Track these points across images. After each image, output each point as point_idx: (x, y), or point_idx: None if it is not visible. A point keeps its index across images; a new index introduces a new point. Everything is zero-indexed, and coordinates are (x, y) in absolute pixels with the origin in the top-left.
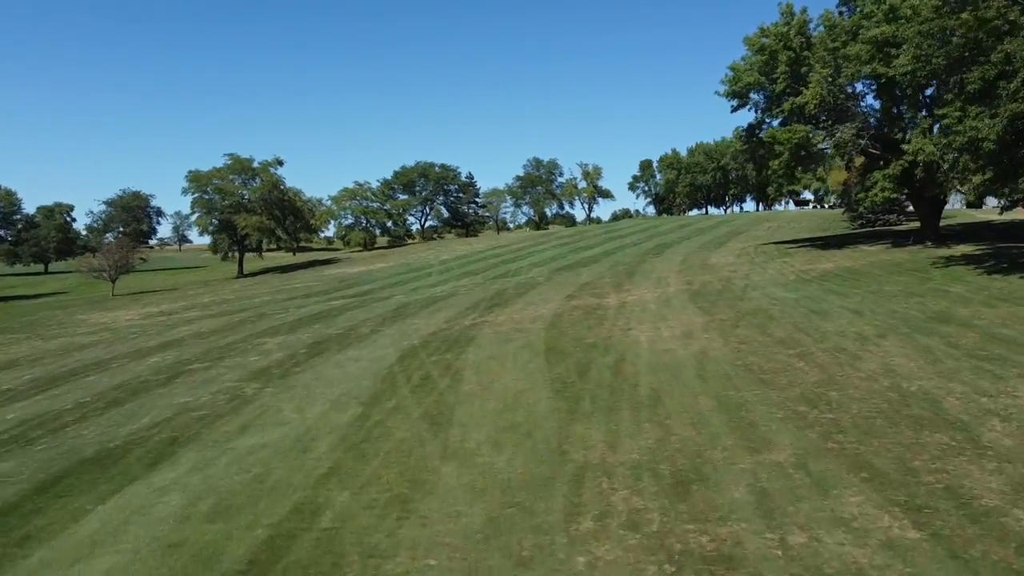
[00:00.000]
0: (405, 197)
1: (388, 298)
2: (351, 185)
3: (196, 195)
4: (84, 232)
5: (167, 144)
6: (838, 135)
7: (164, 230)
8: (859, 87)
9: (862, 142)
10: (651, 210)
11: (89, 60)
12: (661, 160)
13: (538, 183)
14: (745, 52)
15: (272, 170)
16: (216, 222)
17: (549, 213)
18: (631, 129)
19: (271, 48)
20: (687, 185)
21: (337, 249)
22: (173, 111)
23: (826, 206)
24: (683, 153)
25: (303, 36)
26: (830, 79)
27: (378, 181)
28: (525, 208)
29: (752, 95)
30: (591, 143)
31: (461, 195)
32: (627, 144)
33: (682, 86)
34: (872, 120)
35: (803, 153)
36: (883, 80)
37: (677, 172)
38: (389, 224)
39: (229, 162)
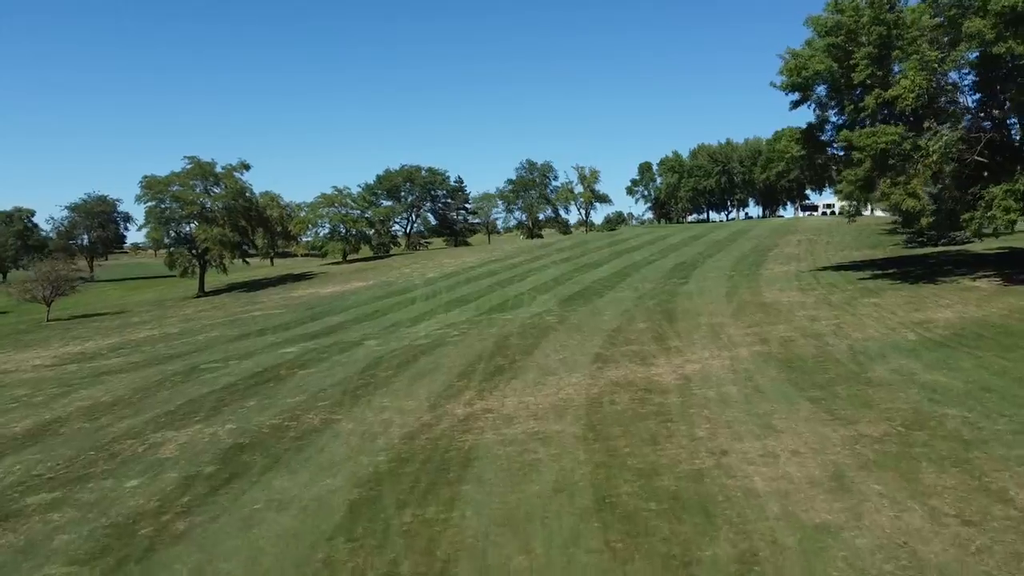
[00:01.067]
0: (389, 203)
1: (357, 344)
2: (329, 191)
3: (151, 203)
4: (51, 235)
5: (139, 146)
6: (944, 137)
7: (140, 235)
8: (952, 76)
9: (977, 146)
10: (650, 215)
11: (57, 60)
12: (661, 163)
13: (531, 187)
14: (809, 35)
15: (237, 175)
16: (173, 234)
17: (542, 217)
18: (628, 131)
19: (251, 48)
20: (690, 189)
21: (317, 255)
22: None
23: (832, 213)
24: (684, 155)
25: (286, 36)
26: (935, 65)
27: (360, 186)
28: (517, 213)
29: (816, 88)
30: (587, 146)
31: (450, 201)
32: (624, 147)
33: (681, 87)
34: (985, 120)
35: (890, 161)
36: (1012, 65)
37: (679, 176)
38: (370, 233)
39: (189, 166)
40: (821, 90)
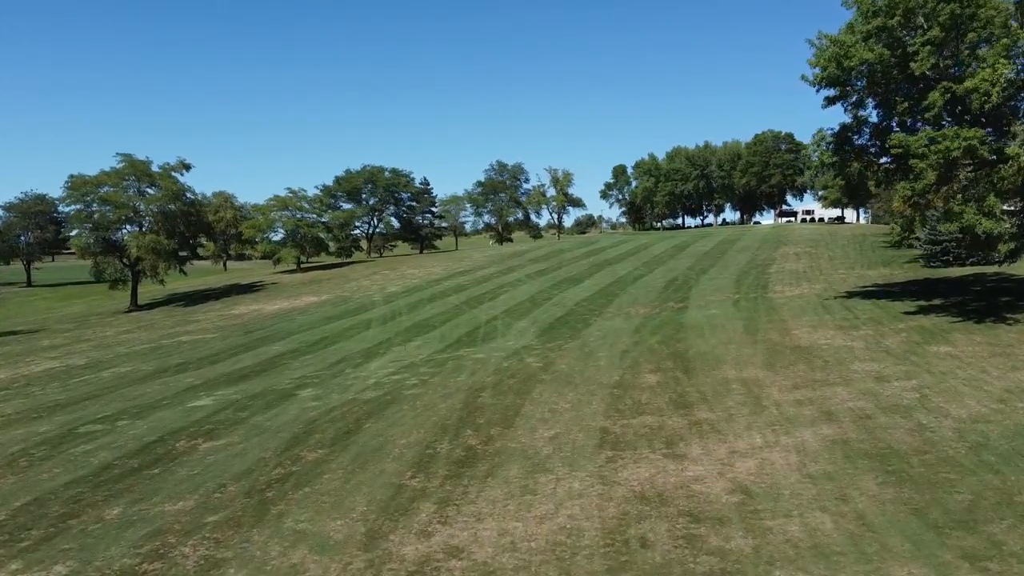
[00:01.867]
0: (350, 207)
1: (289, 396)
2: (283, 193)
3: (76, 207)
4: None
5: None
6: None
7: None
8: None
9: None
10: (623, 219)
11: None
12: (637, 166)
13: (502, 189)
14: (851, 16)
15: (176, 176)
16: (101, 241)
17: (512, 220)
18: (602, 134)
19: (209, 46)
20: (667, 194)
21: (271, 257)
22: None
23: (812, 220)
24: (660, 158)
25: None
26: None
27: (317, 188)
28: (487, 216)
29: (857, 82)
30: (559, 149)
31: (415, 203)
32: (598, 150)
33: (656, 89)
34: None
35: (960, 172)
36: None
37: (655, 179)
38: (326, 238)
39: (121, 165)
40: (859, 84)
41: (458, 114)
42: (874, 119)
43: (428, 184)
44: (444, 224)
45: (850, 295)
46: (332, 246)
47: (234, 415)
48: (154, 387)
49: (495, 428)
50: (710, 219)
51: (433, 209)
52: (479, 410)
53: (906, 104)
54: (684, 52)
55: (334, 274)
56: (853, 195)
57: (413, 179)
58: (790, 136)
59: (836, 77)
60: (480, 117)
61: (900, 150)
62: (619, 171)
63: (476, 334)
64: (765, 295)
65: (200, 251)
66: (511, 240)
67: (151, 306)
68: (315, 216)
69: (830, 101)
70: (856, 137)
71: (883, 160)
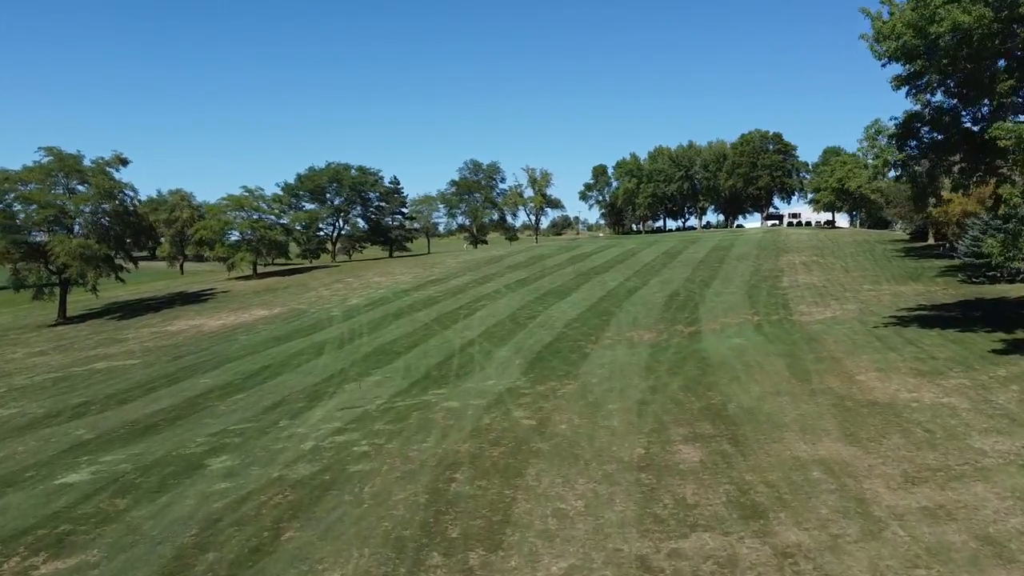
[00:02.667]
0: (313, 207)
1: (194, 470)
2: (239, 192)
3: None
4: None
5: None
6: None
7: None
8: None
9: None
10: (603, 221)
11: None
12: (618, 166)
13: (476, 189)
14: None
15: (110, 171)
16: (22, 245)
17: (487, 221)
18: (581, 135)
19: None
20: (649, 195)
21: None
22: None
23: (799, 224)
24: (642, 158)
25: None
26: None
27: (278, 186)
28: (461, 218)
29: (936, 54)
30: (538, 149)
31: (384, 204)
32: (576, 151)
33: (638, 89)
34: None
35: None
36: None
37: (637, 180)
38: (286, 241)
39: (47, 159)
40: (937, 59)
41: (433, 113)
42: (945, 104)
43: (398, 183)
44: (416, 226)
45: (900, 320)
46: (295, 249)
47: (109, 505)
48: (31, 443)
49: (475, 551)
50: (692, 221)
51: (403, 210)
52: (451, 508)
53: (1010, 83)
54: (665, 51)
55: (293, 281)
56: (920, 200)
57: (382, 178)
58: (778, 136)
59: (913, 49)
60: (456, 117)
61: (1009, 141)
62: (599, 171)
63: (448, 366)
64: (790, 317)
65: (158, 252)
66: (486, 242)
67: (83, 318)
68: (274, 217)
69: (902, 82)
70: (926, 129)
71: (955, 157)
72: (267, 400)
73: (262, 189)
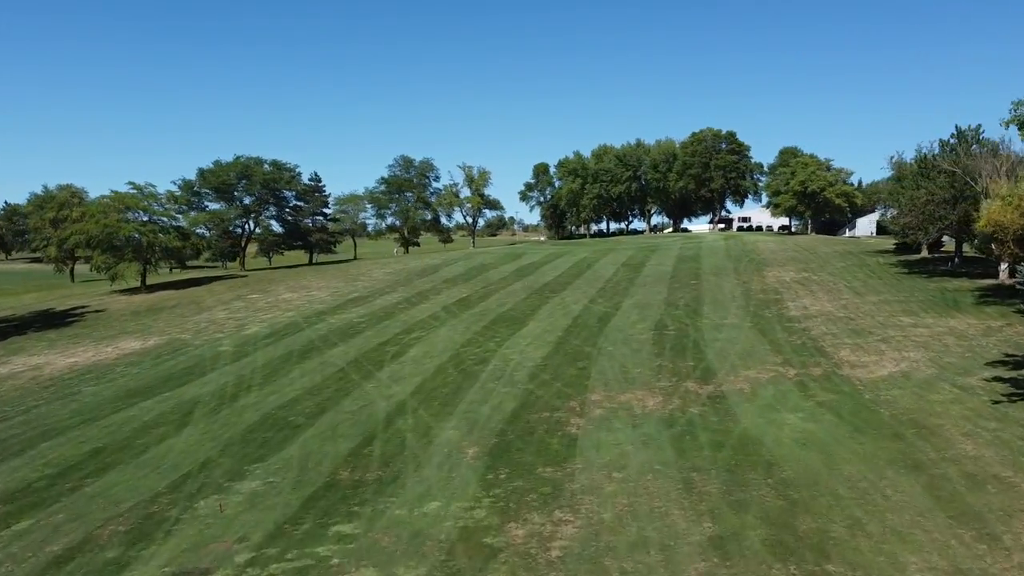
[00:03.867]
0: (219, 207)
1: None
2: (124, 188)
3: None
4: None
5: None
6: None
7: None
8: None
9: None
10: (542, 221)
11: None
12: (561, 165)
13: (408, 188)
14: None
15: None
16: None
17: (420, 221)
18: (519, 133)
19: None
20: (594, 197)
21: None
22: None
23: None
24: (587, 157)
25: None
26: None
27: (175, 183)
28: (391, 218)
29: None
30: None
31: (302, 204)
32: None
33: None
34: None
35: None
36: None
37: (582, 180)
38: (183, 246)
39: None
40: None
41: (368, 112)
42: None
43: (319, 181)
44: (342, 227)
45: (1016, 385)
46: (205, 255)
47: None
48: None
49: None
50: (636, 224)
51: (326, 211)
52: None
53: None
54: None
55: (186, 297)
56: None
57: (299, 174)
58: (732, 135)
59: None
60: (390, 115)
61: None
62: (541, 170)
63: (366, 460)
64: (839, 371)
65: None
66: (418, 244)
67: None
68: (167, 219)
69: None
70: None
71: None
72: (61, 538)
73: (153, 186)
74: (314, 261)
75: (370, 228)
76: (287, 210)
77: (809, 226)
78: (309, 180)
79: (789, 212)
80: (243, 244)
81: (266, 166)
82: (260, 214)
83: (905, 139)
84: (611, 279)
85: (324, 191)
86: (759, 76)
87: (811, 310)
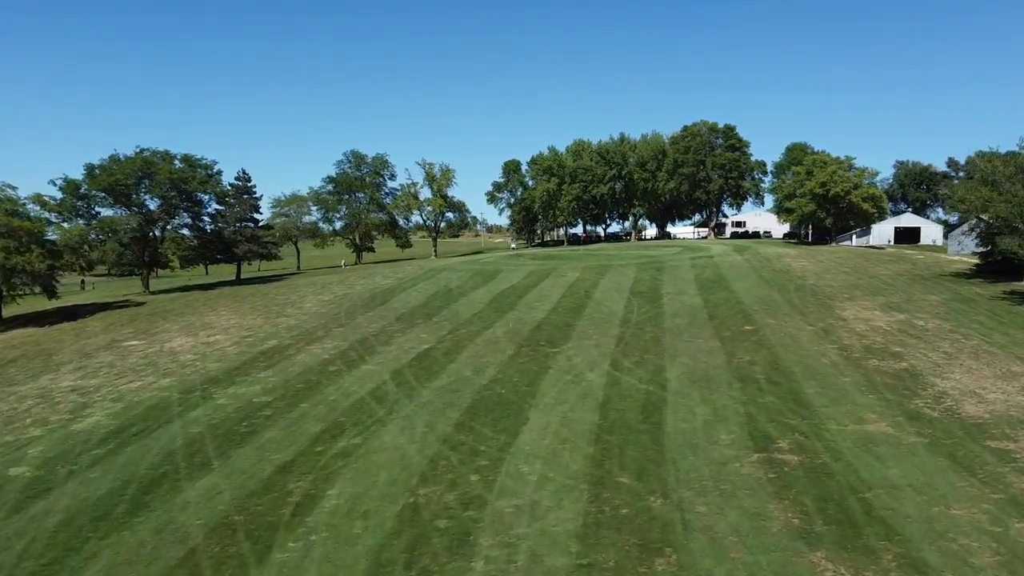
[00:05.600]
0: (114, 213)
1: None
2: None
3: None
4: None
5: None
6: None
7: None
8: None
9: None
10: (509, 223)
11: None
12: (534, 162)
13: (360, 188)
14: None
15: None
16: None
17: (375, 216)
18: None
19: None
20: (573, 199)
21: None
22: None
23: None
24: (563, 152)
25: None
26: None
27: (54, 184)
28: (339, 222)
29: None
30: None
31: (224, 207)
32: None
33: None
34: None
35: None
36: None
37: (559, 180)
38: (43, 269)
39: None
40: None
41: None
42: None
43: (248, 180)
44: (282, 234)
45: None
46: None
47: None
48: None
49: None
50: (613, 227)
51: (257, 215)
52: None
53: None
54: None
55: (41, 341)
56: None
57: (220, 172)
58: (730, 129)
59: None
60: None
61: None
62: (511, 168)
63: None
64: None
65: None
66: (372, 249)
67: None
68: (35, 232)
69: None
70: None
71: None
72: None
73: (12, 187)
74: (241, 277)
75: (323, 230)
76: (204, 215)
77: (811, 233)
78: (235, 179)
79: (807, 218)
80: (144, 260)
81: (177, 161)
82: (168, 222)
83: (904, 137)
84: (626, 320)
85: (254, 192)
86: (748, 66)
87: (992, 401)
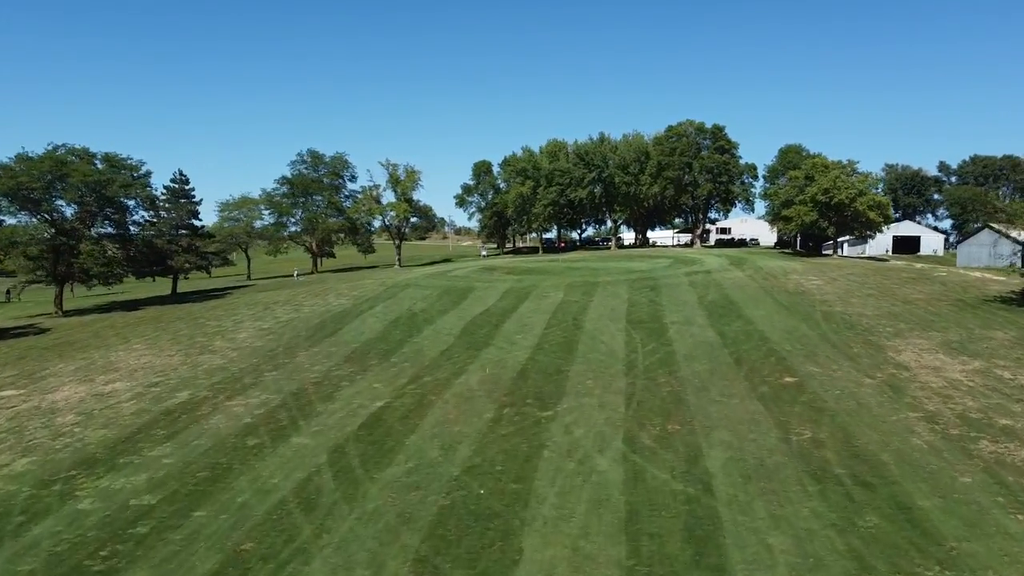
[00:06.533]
0: (16, 222)
1: None
2: None
3: None
4: None
5: None
6: None
7: None
8: None
9: None
10: (477, 225)
11: None
12: (507, 164)
13: (316, 190)
14: None
15: None
16: None
17: (333, 220)
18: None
19: None
20: (549, 203)
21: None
22: None
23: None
24: (538, 153)
25: None
26: None
27: None
28: (293, 227)
29: None
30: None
31: (154, 212)
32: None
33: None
34: None
35: None
36: None
37: (535, 183)
38: None
39: None
40: None
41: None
42: None
43: (186, 183)
44: (230, 240)
45: None
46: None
47: None
48: None
49: None
50: (589, 232)
51: (196, 222)
52: None
53: None
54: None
55: None
56: None
57: (149, 174)
58: (719, 130)
59: None
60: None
61: None
62: (482, 169)
63: None
64: None
65: None
66: (332, 255)
67: None
68: None
69: None
70: None
71: None
72: None
73: None
74: (178, 291)
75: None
76: (130, 224)
77: (798, 241)
78: (171, 182)
79: (809, 228)
80: (55, 276)
81: (97, 162)
82: (84, 232)
83: (892, 139)
84: (631, 363)
85: (193, 196)
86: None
87: None
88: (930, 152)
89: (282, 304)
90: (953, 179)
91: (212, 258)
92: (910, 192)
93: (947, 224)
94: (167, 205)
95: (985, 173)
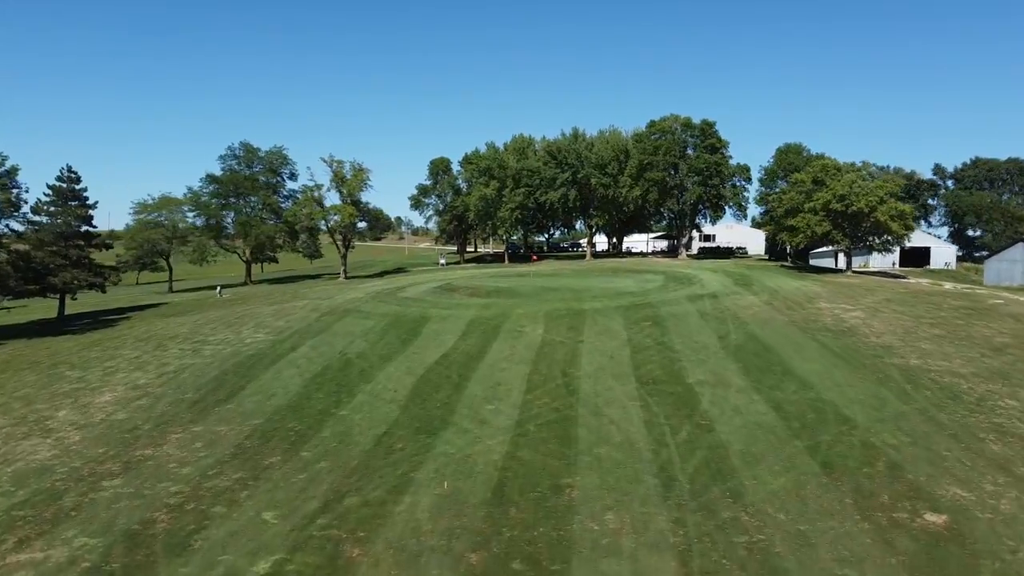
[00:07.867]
0: None
1: None
2: None
3: None
4: None
5: None
6: None
7: None
8: None
9: None
10: (434, 226)
11: None
12: (468, 161)
13: (250, 190)
14: None
15: None
16: None
17: (272, 222)
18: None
19: None
20: (517, 207)
21: None
22: None
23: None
24: (503, 150)
25: None
26: None
27: None
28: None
29: None
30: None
31: (46, 218)
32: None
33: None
34: None
35: None
36: None
37: (500, 184)
38: None
39: None
40: None
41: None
42: None
43: (76, 180)
44: (117, 262)
45: None
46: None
47: None
48: None
49: None
50: (556, 235)
51: (90, 227)
52: None
53: None
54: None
55: None
56: None
57: (15, 169)
58: (708, 126)
59: None
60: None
61: None
62: (440, 167)
63: None
64: None
65: None
66: (276, 260)
67: None
68: None
69: None
70: None
71: None
72: None
73: None
74: (65, 314)
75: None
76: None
77: (792, 253)
78: (57, 180)
79: (821, 238)
80: None
81: None
82: None
83: (884, 141)
84: (663, 467)
85: (85, 198)
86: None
87: None
88: (921, 155)
89: (180, 340)
90: (950, 183)
91: (110, 273)
92: (906, 198)
93: (944, 232)
94: (51, 209)
95: (989, 177)
